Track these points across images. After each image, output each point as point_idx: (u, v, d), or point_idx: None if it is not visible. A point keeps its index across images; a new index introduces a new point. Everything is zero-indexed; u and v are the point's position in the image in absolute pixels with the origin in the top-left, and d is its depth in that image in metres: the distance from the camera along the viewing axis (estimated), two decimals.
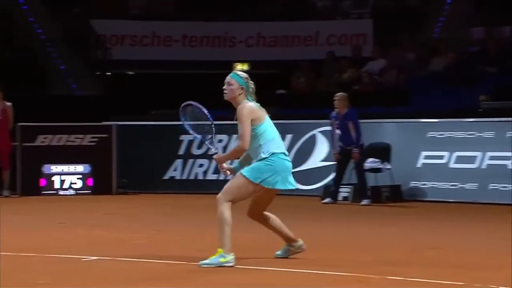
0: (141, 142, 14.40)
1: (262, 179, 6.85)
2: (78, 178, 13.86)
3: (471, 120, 12.78)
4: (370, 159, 12.56)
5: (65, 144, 13.97)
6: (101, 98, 17.55)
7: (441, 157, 12.71)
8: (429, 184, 12.71)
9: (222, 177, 14.26)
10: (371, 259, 7.13)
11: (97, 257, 7.23)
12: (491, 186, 12.20)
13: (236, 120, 6.98)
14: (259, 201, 7.05)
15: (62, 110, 15.92)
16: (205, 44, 19.07)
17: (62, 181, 13.84)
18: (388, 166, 12.63)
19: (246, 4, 20.29)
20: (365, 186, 12.42)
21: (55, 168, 13.86)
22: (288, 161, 7.01)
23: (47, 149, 13.88)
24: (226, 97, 7.05)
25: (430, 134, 12.87)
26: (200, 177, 14.32)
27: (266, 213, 7.13)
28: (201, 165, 14.36)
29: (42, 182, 13.80)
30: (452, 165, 12.61)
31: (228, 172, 7.12)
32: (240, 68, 19.36)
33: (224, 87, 7.06)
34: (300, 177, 13.64)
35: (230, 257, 6.73)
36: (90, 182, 13.87)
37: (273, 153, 6.88)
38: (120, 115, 14.73)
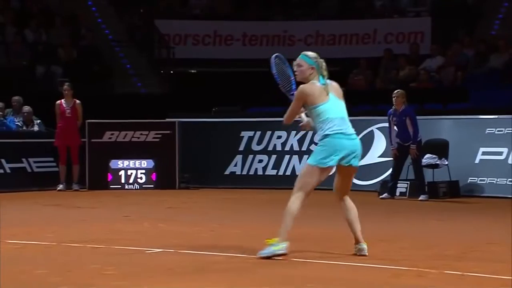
0: (203, 138, 14.50)
1: (318, 161, 6.82)
2: (142, 173, 14.01)
3: None
4: (428, 155, 12.39)
5: (130, 140, 14.13)
6: (165, 96, 17.72)
7: (499, 153, 12.46)
8: (487, 180, 12.48)
9: (281, 172, 14.30)
10: (429, 254, 7.04)
11: (161, 249, 7.30)
12: None
13: None
14: (336, 185, 7.01)
15: (127, 107, 16.14)
16: (265, 42, 19.08)
17: (128, 176, 14.01)
18: (446, 162, 12.45)
19: (304, 3, 20.23)
20: (423, 182, 12.27)
21: (121, 164, 14.04)
22: (348, 139, 6.86)
23: (114, 145, 14.06)
24: (297, 78, 7.06)
25: (489, 130, 12.63)
26: (260, 172, 14.34)
27: (347, 202, 7.02)
28: (260, 161, 14.38)
29: (109, 176, 13.99)
30: (511, 161, 12.35)
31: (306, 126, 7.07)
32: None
33: (295, 69, 7.05)
34: (358, 172, 13.52)
35: (282, 245, 6.71)
36: (154, 177, 14.00)
37: (326, 135, 6.83)
38: (183, 112, 14.84)
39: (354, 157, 6.89)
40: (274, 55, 7.34)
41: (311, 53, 7.09)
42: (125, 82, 18.48)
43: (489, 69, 16.36)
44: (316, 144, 7.15)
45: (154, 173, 14.02)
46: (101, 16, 19.49)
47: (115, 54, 18.89)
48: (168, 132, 14.11)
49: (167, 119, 14.56)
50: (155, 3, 20.04)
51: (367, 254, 6.86)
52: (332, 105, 6.91)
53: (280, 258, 6.80)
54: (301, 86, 6.97)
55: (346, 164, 6.87)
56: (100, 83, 17.68)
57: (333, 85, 7.07)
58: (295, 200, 6.85)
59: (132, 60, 18.98)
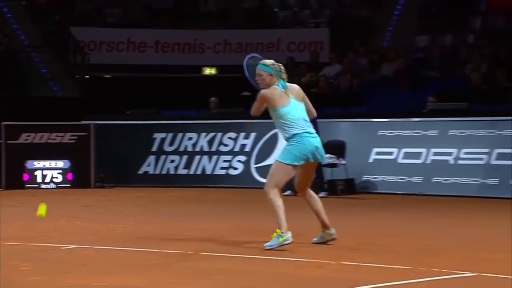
0: (117, 139, 14.31)
1: (292, 159, 7.05)
2: (58, 173, 13.74)
3: (417, 120, 12.89)
4: (327, 155, 12.56)
5: (46, 141, 13.84)
6: (80, 99, 17.40)
7: (390, 153, 12.80)
8: (379, 178, 12.79)
9: (191, 171, 14.26)
10: (328, 246, 7.15)
11: (76, 246, 7.15)
12: (435, 179, 12.32)
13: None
14: (300, 181, 7.25)
15: (44, 110, 15.76)
16: (176, 50, 19.02)
17: (44, 176, 13.71)
18: (343, 162, 12.69)
19: (214, 14, 20.27)
20: (322, 180, 12.47)
21: (37, 164, 13.72)
22: (312, 137, 7.13)
23: (30, 146, 13.74)
24: (260, 86, 7.18)
25: (381, 132, 12.96)
26: (172, 171, 14.26)
27: (312, 194, 7.31)
28: (172, 161, 14.31)
29: (25, 176, 13.64)
30: (400, 160, 12.70)
31: None
32: (209, 72, 19.33)
33: (257, 78, 7.16)
34: (264, 171, 13.66)
35: (287, 235, 6.90)
36: (69, 176, 13.76)
37: (295, 134, 7.05)
38: (98, 115, 14.62)
39: (319, 152, 7.17)
40: (248, 56, 7.37)
41: (268, 61, 7.19)
42: (41, 86, 18.04)
43: (381, 76, 16.79)
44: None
45: (70, 173, 13.76)
46: (17, 22, 18.97)
47: (31, 59, 18.41)
48: (84, 134, 13.88)
49: (83, 122, 14.31)
50: (71, 11, 19.65)
51: (336, 237, 7.15)
52: (292, 107, 7.12)
53: (191, 253, 6.78)
54: (262, 91, 7.13)
55: (313, 160, 7.12)
56: (17, 87, 17.20)
57: (294, 88, 7.23)
58: (275, 196, 7.06)
59: (48, 65, 18.56)
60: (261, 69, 7.13)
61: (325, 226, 7.25)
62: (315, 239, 7.28)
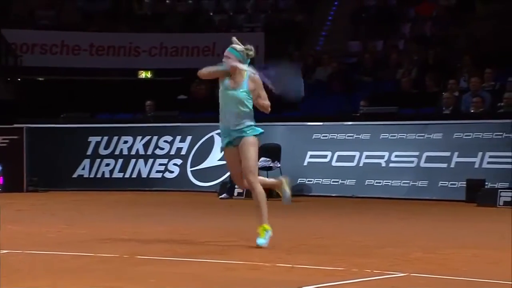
0: (51, 143, 14.06)
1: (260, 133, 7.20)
2: None
3: (350, 123, 13.07)
4: (263, 158, 12.66)
5: None
6: (13, 102, 17.01)
7: (324, 156, 12.94)
8: (314, 181, 12.92)
9: (127, 175, 14.11)
10: (262, 249, 7.16)
11: (8, 250, 6.98)
12: (367, 181, 12.51)
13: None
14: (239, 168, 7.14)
15: None
16: (111, 53, 18.79)
17: None
18: (278, 165, 12.77)
19: (149, 17, 20.11)
20: None
21: None
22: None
23: None
24: (227, 67, 7.08)
25: (315, 136, 13.09)
26: (107, 175, 14.09)
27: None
28: (107, 164, 14.13)
29: None
30: (334, 163, 12.86)
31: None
32: (145, 75, 19.16)
33: (224, 59, 7.08)
34: (199, 174, 13.64)
35: (270, 228, 6.97)
36: (1, 180, 13.44)
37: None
38: (31, 118, 14.32)
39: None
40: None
41: (239, 47, 7.19)
42: None
43: (315, 80, 16.96)
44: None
45: (1, 177, 13.45)
46: None
47: None
48: (16, 137, 13.61)
49: (15, 125, 14.00)
50: (3, 13, 19.18)
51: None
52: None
53: (126, 256, 6.71)
54: (258, 76, 7.09)
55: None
56: None
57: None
58: (260, 186, 6.99)
59: None
60: (231, 52, 7.13)
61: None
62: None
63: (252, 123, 7.13)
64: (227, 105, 7.11)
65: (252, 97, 7.14)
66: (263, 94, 7.14)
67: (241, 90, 7.10)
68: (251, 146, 7.01)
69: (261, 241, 7.02)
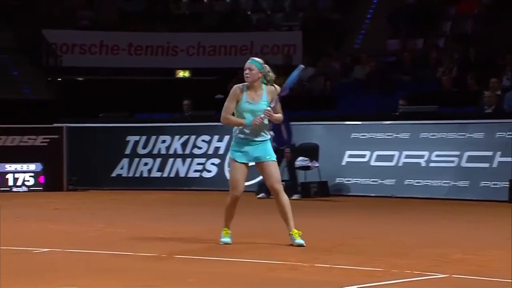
0: (90, 142, 14.22)
1: None
2: (30, 176, 13.61)
3: (389, 123, 12.97)
4: (300, 158, 12.64)
5: (18, 144, 13.72)
6: (53, 102, 17.26)
7: (363, 156, 12.86)
8: (352, 180, 12.85)
9: (165, 174, 14.20)
10: (301, 249, 7.16)
11: (48, 249, 7.08)
12: (407, 181, 12.40)
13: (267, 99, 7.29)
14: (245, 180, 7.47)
15: (16, 113, 15.61)
16: (149, 52, 18.94)
17: (16, 179, 13.57)
18: (316, 164, 12.72)
19: (187, 16, 20.22)
20: (296, 182, 12.49)
21: (9, 167, 13.58)
22: None
23: (2, 149, 13.59)
24: (248, 80, 7.27)
25: (354, 135, 13.02)
26: (145, 174, 14.20)
27: None
28: (146, 164, 14.24)
29: None
30: (373, 163, 12.77)
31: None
32: (182, 74, 19.28)
33: (247, 72, 7.25)
34: None
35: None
36: (42, 179, 13.64)
37: None
38: (70, 118, 14.51)
39: None
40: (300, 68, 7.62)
41: (259, 59, 7.40)
42: (13, 89, 17.85)
43: (353, 79, 16.87)
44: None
45: (42, 176, 13.64)
46: None
47: (2, 61, 18.22)
48: (56, 136, 13.78)
49: (55, 124, 14.20)
50: (43, 13, 19.48)
51: None
52: None
53: (165, 255, 6.75)
54: (273, 88, 7.31)
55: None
56: None
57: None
58: (285, 195, 7.31)
59: (20, 68, 18.37)
60: (254, 64, 7.31)
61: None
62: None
63: (268, 136, 7.44)
64: (248, 117, 7.26)
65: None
66: (276, 106, 7.38)
67: (262, 102, 7.30)
68: (276, 164, 7.37)
69: (300, 241, 7.20)
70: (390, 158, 12.64)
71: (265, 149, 7.28)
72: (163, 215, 10.40)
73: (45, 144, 13.77)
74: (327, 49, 18.22)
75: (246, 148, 7.25)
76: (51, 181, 13.59)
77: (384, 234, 8.33)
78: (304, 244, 7.13)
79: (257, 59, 7.38)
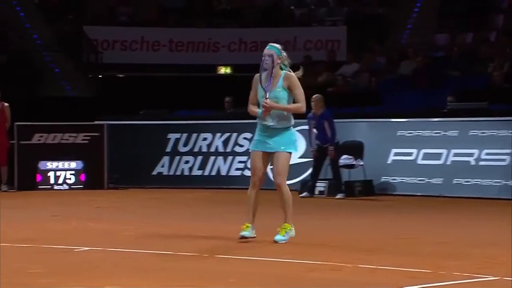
0: (131, 140, 14.37)
1: (297, 148, 7.54)
2: (71, 174, 13.81)
3: (437, 120, 12.84)
4: (345, 156, 12.59)
5: (59, 142, 13.93)
6: (94, 99, 17.49)
7: (409, 154, 12.76)
8: (398, 179, 12.76)
9: (206, 172, 14.29)
10: (344, 249, 7.15)
11: (89, 248, 7.19)
12: (455, 181, 12.26)
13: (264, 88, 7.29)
14: (266, 167, 7.42)
15: (56, 110, 15.86)
16: (190, 48, 19.06)
17: (57, 177, 13.79)
18: (361, 163, 12.66)
19: (228, 12, 20.29)
20: (340, 181, 12.45)
21: (50, 165, 13.81)
22: None
23: (43, 146, 13.83)
24: (266, 66, 7.29)
25: (400, 132, 12.92)
26: (186, 173, 14.30)
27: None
28: (187, 162, 14.34)
29: (38, 177, 13.73)
30: (420, 161, 12.66)
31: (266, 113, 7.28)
32: (224, 71, 19.36)
33: (266, 58, 7.33)
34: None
35: (293, 229, 7.30)
36: (82, 177, 13.83)
37: (292, 125, 7.37)
38: (111, 115, 14.68)
39: None
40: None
41: (277, 45, 7.47)
42: (53, 85, 18.15)
43: (399, 75, 16.73)
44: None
45: (83, 174, 13.83)
46: (29, 21, 19.09)
47: (43, 59, 18.54)
48: (97, 134, 13.95)
49: (96, 122, 14.38)
50: (84, 10, 19.75)
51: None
52: None
53: (206, 255, 6.80)
54: (293, 74, 7.35)
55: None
56: (29, 86, 17.31)
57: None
58: (287, 187, 7.33)
59: (61, 64, 18.67)
60: (273, 50, 7.39)
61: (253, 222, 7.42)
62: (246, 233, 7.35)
63: (290, 123, 7.37)
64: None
65: (291, 96, 7.35)
66: (298, 92, 7.32)
67: (277, 89, 7.33)
68: (285, 157, 7.34)
69: (279, 237, 7.26)
70: (438, 156, 12.51)
71: (279, 140, 7.29)
72: (204, 214, 10.47)
73: (86, 141, 13.95)
74: (372, 44, 18.10)
75: (263, 136, 7.35)
76: (92, 179, 13.76)
77: (431, 235, 8.25)
78: (278, 242, 7.19)
79: (275, 44, 7.46)
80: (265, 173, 7.41)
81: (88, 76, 18.64)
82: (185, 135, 14.41)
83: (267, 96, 7.24)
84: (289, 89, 7.30)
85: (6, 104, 13.64)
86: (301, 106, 7.28)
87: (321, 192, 12.56)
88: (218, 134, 14.23)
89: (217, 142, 14.24)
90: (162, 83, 17.86)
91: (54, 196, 12.83)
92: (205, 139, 14.32)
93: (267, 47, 7.38)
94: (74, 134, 13.95)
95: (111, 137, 13.98)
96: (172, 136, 14.43)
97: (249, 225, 7.39)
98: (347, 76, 17.10)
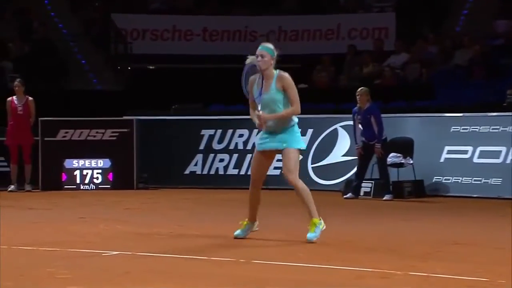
0: (162, 136, 14.45)
1: (303, 144, 7.79)
2: (98, 173, 13.92)
3: (495, 114, 12.70)
4: (393, 154, 12.51)
5: (86, 138, 14.04)
6: (122, 93, 17.62)
7: (464, 152, 12.64)
8: (452, 179, 12.64)
9: (242, 172, 14.31)
10: (393, 255, 7.11)
11: (118, 252, 7.25)
12: None
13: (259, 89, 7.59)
14: (268, 166, 7.82)
15: (83, 104, 16.02)
16: (226, 38, 19.08)
17: (83, 176, 13.91)
18: (411, 161, 12.57)
19: None
20: (388, 181, 12.38)
21: (76, 163, 13.93)
22: None
23: (68, 143, 13.96)
24: (261, 67, 7.59)
25: (454, 128, 12.80)
26: (221, 172, 14.34)
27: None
28: (221, 160, 14.38)
29: (63, 176, 13.88)
30: (476, 159, 12.53)
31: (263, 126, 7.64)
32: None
33: (258, 59, 7.60)
34: (321, 172, 13.65)
35: (322, 222, 7.55)
36: (110, 177, 13.93)
37: (296, 122, 7.73)
38: (141, 110, 14.78)
39: None
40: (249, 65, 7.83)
41: (270, 45, 7.72)
42: (80, 78, 18.33)
43: (454, 65, 16.57)
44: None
45: (111, 173, 13.94)
46: (54, 9, 19.29)
47: (69, 49, 18.72)
48: (126, 130, 14.04)
49: (125, 117, 14.49)
50: None
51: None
52: None
53: (243, 261, 6.82)
54: (287, 74, 7.62)
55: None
56: (53, 79, 17.51)
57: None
58: (301, 182, 7.62)
59: (88, 56, 18.84)
60: (265, 51, 7.60)
61: (255, 218, 7.84)
62: (238, 232, 7.82)
63: (291, 123, 7.66)
64: (260, 107, 7.60)
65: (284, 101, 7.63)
66: (292, 93, 7.60)
67: (271, 91, 7.60)
68: (294, 153, 7.66)
69: (310, 235, 7.46)
70: (496, 154, 12.37)
71: (282, 137, 7.60)
72: (240, 216, 10.48)
73: (114, 138, 14.05)
74: (424, 32, 17.94)
75: (267, 137, 7.67)
76: (120, 179, 13.87)
77: (489, 240, 8.17)
78: (312, 240, 7.45)
79: (268, 44, 7.71)
80: (265, 174, 7.83)
81: (116, 68, 18.79)
82: (219, 131, 14.46)
83: (259, 109, 7.57)
84: (283, 90, 7.60)
85: (30, 98, 13.81)
86: (294, 109, 7.64)
87: (367, 193, 12.49)
88: (256, 131, 14.24)
89: (254, 139, 14.25)
90: (196, 76, 17.91)
91: (80, 196, 12.97)
92: (241, 135, 14.34)
93: (259, 47, 7.66)
94: (102, 130, 14.06)
95: (141, 134, 14.08)
96: (206, 133, 14.48)
97: (246, 222, 7.77)
98: (395, 67, 16.99)
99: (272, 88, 7.59)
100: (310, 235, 7.47)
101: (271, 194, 13.33)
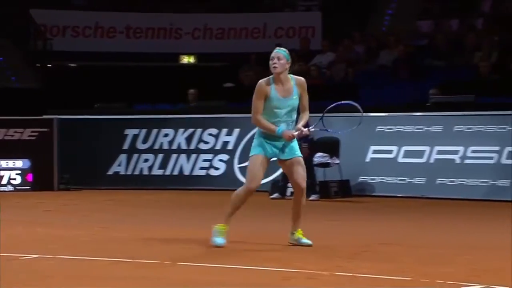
0: (84, 136, 14.29)
1: None
2: (17, 174, 13.70)
3: (419, 114, 12.96)
4: (319, 154, 12.65)
5: (3, 138, 13.84)
6: (42, 91, 17.36)
7: (389, 152, 12.86)
8: (377, 179, 12.86)
9: (168, 172, 14.27)
10: (320, 255, 7.19)
11: (38, 255, 7.13)
12: (439, 180, 12.39)
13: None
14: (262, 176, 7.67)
15: (0, 103, 15.70)
16: (150, 36, 18.98)
17: (0, 177, 13.67)
18: (337, 161, 12.74)
19: None
20: (314, 181, 12.50)
21: None
22: None
23: None
24: (276, 70, 7.48)
25: (379, 128, 13.01)
26: (145, 172, 14.26)
27: None
28: (146, 160, 14.30)
29: None
30: (401, 159, 12.77)
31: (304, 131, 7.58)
32: (187, 60, 19.32)
33: (274, 61, 7.46)
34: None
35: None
36: (30, 177, 13.72)
37: None
38: (61, 109, 14.59)
39: None
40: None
41: (286, 49, 7.67)
42: None
43: (379, 65, 16.85)
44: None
45: (30, 174, 13.73)
46: None
47: None
48: (46, 130, 13.87)
49: (44, 116, 14.28)
50: None
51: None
52: None
53: (168, 263, 6.79)
54: (304, 79, 7.57)
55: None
56: None
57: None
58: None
59: (5, 52, 18.48)
60: (282, 53, 7.53)
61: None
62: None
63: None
64: (279, 114, 7.44)
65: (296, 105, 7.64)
66: (307, 98, 7.62)
67: (294, 96, 7.52)
68: (303, 161, 7.69)
69: (307, 241, 7.53)
70: (420, 154, 12.63)
71: (293, 145, 7.53)
72: (165, 218, 10.45)
73: (33, 138, 13.86)
74: (350, 31, 18.19)
75: (271, 142, 7.50)
76: (40, 180, 13.67)
77: (414, 240, 8.34)
78: (312, 244, 7.46)
79: (283, 48, 7.64)
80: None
81: (35, 65, 18.48)
82: (144, 131, 14.37)
83: (277, 113, 7.42)
84: (300, 94, 7.55)
85: None
86: (308, 115, 7.67)
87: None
88: (181, 130, 14.22)
89: (179, 139, 14.23)
90: (119, 74, 17.77)
91: None
92: (166, 135, 14.29)
93: (275, 50, 7.58)
94: (20, 130, 13.85)
95: (62, 133, 13.90)
96: (130, 132, 14.38)
97: (227, 229, 7.51)
98: (321, 66, 17.17)
99: (294, 93, 7.45)
100: (307, 241, 7.49)
101: (199, 194, 13.32)
